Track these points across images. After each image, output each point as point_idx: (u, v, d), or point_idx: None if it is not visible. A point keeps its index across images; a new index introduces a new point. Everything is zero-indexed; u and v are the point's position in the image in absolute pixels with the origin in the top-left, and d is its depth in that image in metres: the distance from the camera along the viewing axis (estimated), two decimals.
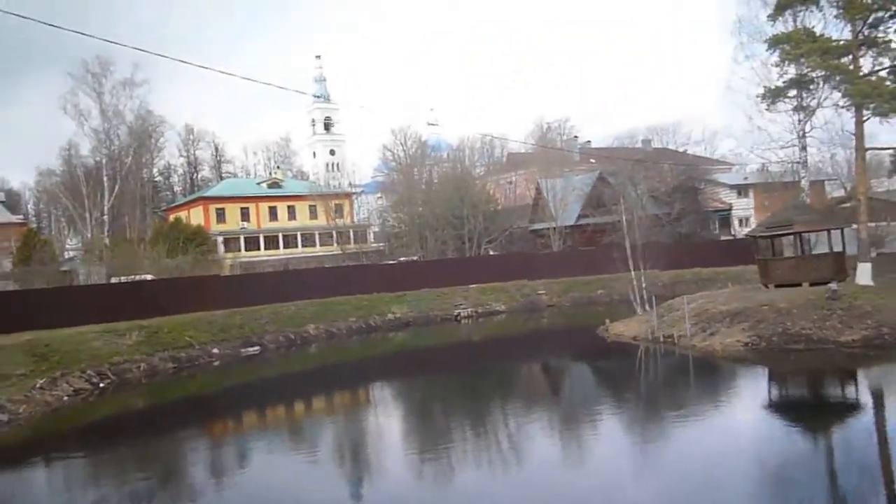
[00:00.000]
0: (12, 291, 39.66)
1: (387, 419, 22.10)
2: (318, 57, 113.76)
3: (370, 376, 30.52)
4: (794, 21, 31.22)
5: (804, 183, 34.86)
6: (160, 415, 25.04)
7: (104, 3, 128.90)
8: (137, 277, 42.72)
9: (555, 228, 59.18)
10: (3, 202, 77.99)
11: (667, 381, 24.40)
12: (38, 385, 25.27)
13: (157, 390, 29.17)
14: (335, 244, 67.18)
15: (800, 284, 28.00)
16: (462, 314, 45.70)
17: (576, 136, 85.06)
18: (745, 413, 18.50)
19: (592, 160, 74.89)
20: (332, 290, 44.27)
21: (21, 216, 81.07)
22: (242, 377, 32.05)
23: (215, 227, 67.96)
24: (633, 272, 33.50)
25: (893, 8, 25.52)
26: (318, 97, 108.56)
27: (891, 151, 35.25)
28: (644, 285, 33.07)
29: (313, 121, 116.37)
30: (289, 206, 73.74)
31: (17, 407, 22.88)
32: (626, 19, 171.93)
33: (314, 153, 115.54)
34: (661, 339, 27.52)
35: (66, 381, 26.83)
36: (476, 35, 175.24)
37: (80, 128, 59.44)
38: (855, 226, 29.86)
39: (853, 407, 18.54)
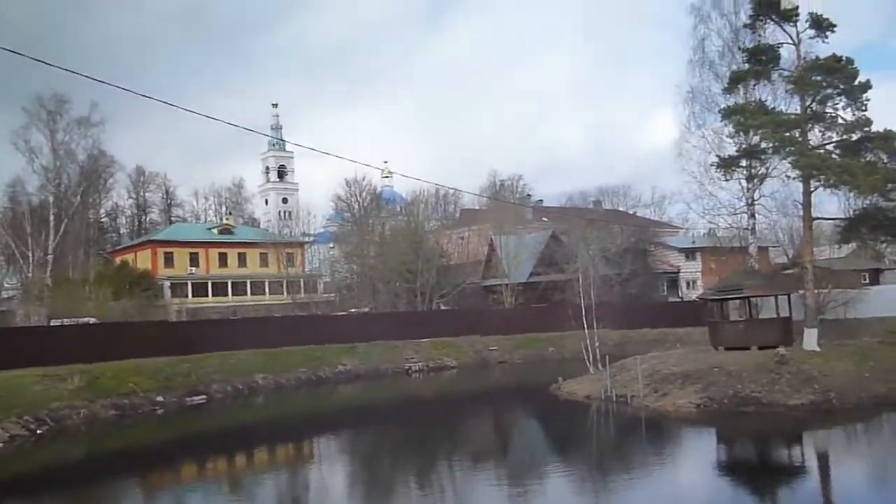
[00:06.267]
0: None
1: (332, 475, 21.55)
2: (275, 105, 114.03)
3: (317, 430, 29.84)
4: (746, 94, 32.52)
5: (752, 249, 35.77)
6: (97, 465, 23.99)
7: (59, 44, 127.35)
8: (80, 320, 41.45)
9: (507, 285, 59.44)
10: None
11: (620, 441, 24.40)
12: None
13: (97, 439, 28.12)
14: (285, 293, 66.37)
15: (748, 348, 28.51)
16: (413, 368, 45.33)
17: (529, 195, 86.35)
18: (695, 474, 18.73)
19: (545, 218, 76.00)
20: (281, 339, 43.52)
21: None
22: (186, 427, 31.13)
23: (163, 272, 66.61)
24: (586, 331, 33.76)
25: (841, 86, 26.80)
26: (275, 145, 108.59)
27: (832, 221, 36.28)
28: (597, 344, 33.33)
29: (267, 168, 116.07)
30: (239, 253, 72.76)
31: None
32: (578, 79, 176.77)
33: (266, 200, 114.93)
34: (615, 399, 27.59)
35: (1, 426, 25.69)
36: (431, 90, 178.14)
37: (30, 164, 58.02)
38: (801, 292, 30.68)
39: (798, 470, 18.93)
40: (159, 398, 33.72)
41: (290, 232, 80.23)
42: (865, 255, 58.88)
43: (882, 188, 26.41)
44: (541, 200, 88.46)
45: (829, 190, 28.61)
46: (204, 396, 35.54)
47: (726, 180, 32.11)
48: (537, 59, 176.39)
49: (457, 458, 22.69)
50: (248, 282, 70.44)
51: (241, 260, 72.51)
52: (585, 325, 33.90)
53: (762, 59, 29.39)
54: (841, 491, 16.52)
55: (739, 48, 33.38)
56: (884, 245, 53.00)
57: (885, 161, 27.38)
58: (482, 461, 21.65)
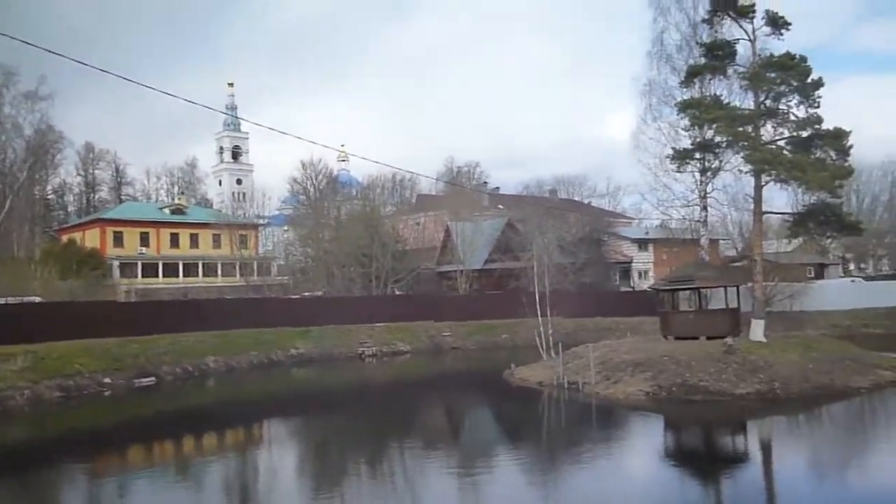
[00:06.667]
0: None
1: (281, 459, 21.40)
2: (231, 84, 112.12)
3: (268, 414, 29.58)
4: (702, 88, 33.02)
5: (703, 241, 36.47)
6: (41, 448, 23.40)
7: (6, 14, 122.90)
8: (25, 299, 40.36)
9: (462, 271, 59.56)
10: None
11: (571, 428, 24.76)
12: None
13: (41, 420, 27.55)
14: (238, 275, 65.55)
15: (697, 338, 29.05)
16: (367, 353, 45.24)
17: (485, 182, 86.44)
18: (642, 461, 19.18)
19: (501, 206, 76.22)
20: (233, 322, 42.90)
21: None
22: (133, 409, 30.57)
23: (112, 251, 65.27)
24: (539, 318, 34.05)
25: (794, 83, 27.37)
26: (230, 125, 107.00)
27: (781, 216, 37.15)
28: (550, 332, 33.65)
29: (221, 148, 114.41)
30: (192, 234, 71.61)
31: None
32: (537, 70, 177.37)
33: (220, 181, 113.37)
34: (567, 386, 27.92)
35: None
36: (389, 78, 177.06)
37: None
38: (749, 284, 31.37)
39: (741, 458, 19.42)
40: (106, 379, 33.05)
41: (244, 214, 79.28)
42: (811, 249, 60.50)
43: (830, 185, 27.14)
44: (497, 188, 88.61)
45: (779, 185, 29.30)
46: (153, 378, 34.94)
47: (680, 172, 32.72)
48: (495, 49, 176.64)
49: (408, 443, 22.69)
50: (201, 263, 69.49)
51: (194, 241, 71.40)
52: (539, 313, 34.19)
53: (719, 55, 29.86)
54: (781, 478, 17.02)
55: (697, 42, 33.89)
56: (829, 241, 54.46)
57: (834, 158, 28.12)
58: (433, 447, 21.73)
